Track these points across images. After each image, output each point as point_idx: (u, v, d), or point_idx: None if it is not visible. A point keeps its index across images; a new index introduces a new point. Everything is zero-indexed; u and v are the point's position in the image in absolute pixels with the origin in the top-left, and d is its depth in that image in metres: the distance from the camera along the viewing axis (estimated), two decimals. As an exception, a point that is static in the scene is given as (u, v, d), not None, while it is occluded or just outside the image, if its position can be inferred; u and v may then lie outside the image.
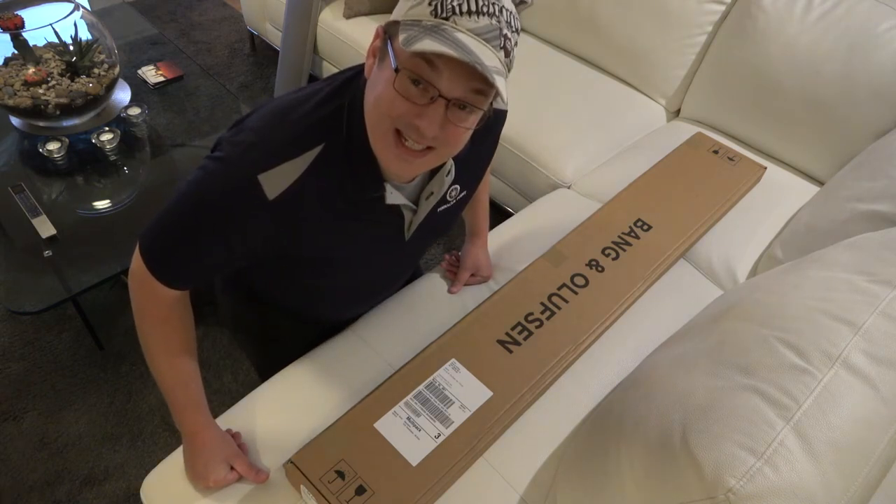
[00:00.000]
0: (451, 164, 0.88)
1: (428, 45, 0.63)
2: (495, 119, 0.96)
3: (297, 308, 1.06)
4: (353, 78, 0.81)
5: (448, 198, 0.94)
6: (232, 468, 0.94)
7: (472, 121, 0.73)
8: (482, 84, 0.67)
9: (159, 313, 0.87)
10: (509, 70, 0.70)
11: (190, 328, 0.91)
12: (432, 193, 0.89)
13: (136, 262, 0.84)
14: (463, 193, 0.98)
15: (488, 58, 0.65)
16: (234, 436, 0.99)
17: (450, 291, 1.25)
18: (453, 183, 0.93)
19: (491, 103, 0.72)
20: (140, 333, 0.88)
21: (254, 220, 0.77)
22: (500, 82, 0.65)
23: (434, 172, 0.89)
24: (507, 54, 0.68)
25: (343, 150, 0.79)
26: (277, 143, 0.77)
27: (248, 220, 0.77)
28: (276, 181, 0.76)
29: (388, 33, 0.71)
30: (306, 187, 0.77)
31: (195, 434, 0.93)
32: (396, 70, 0.67)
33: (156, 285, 0.83)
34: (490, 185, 1.88)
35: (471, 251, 1.26)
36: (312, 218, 0.81)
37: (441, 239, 1.12)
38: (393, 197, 0.84)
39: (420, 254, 1.14)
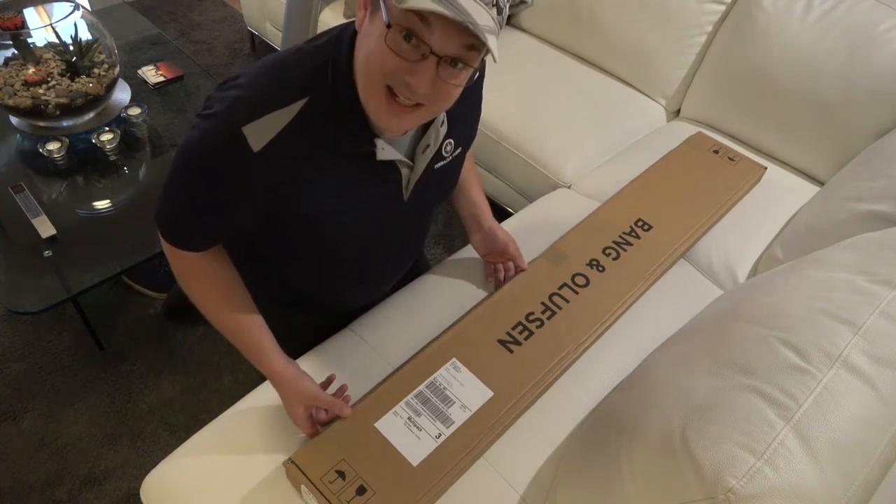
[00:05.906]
0: (443, 115, 0.89)
1: (421, 1, 0.63)
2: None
3: (303, 290, 1.06)
4: (340, 34, 0.81)
5: (444, 153, 0.95)
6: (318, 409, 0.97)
7: (463, 78, 0.73)
8: (474, 41, 0.67)
9: (192, 272, 0.92)
10: (501, 27, 0.70)
11: (229, 280, 0.94)
12: (428, 146, 0.90)
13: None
14: (458, 150, 0.98)
15: (481, 16, 0.65)
16: (328, 379, 1.04)
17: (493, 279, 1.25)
18: (447, 137, 0.93)
19: (483, 60, 0.72)
20: (187, 294, 0.93)
21: (243, 172, 0.78)
22: (492, 41, 0.66)
23: (427, 126, 0.90)
24: (500, 11, 0.68)
25: (329, 104, 0.79)
26: (261, 96, 0.77)
27: (238, 172, 0.78)
28: (260, 133, 0.76)
29: None
30: (292, 139, 0.78)
31: (270, 376, 0.96)
32: (388, 25, 0.68)
33: (177, 248, 0.87)
34: (490, 185, 1.89)
35: (490, 230, 1.20)
36: (305, 171, 0.81)
37: (443, 202, 1.11)
38: (385, 153, 0.84)
39: (423, 221, 1.12)
